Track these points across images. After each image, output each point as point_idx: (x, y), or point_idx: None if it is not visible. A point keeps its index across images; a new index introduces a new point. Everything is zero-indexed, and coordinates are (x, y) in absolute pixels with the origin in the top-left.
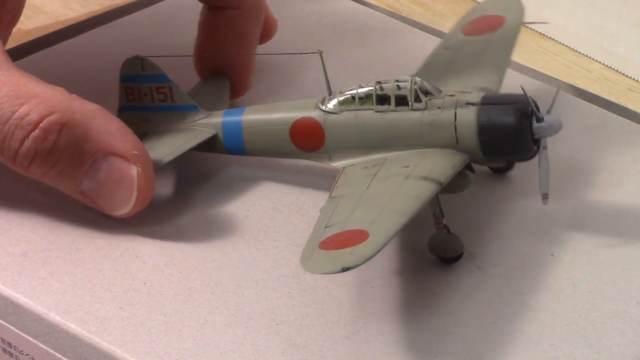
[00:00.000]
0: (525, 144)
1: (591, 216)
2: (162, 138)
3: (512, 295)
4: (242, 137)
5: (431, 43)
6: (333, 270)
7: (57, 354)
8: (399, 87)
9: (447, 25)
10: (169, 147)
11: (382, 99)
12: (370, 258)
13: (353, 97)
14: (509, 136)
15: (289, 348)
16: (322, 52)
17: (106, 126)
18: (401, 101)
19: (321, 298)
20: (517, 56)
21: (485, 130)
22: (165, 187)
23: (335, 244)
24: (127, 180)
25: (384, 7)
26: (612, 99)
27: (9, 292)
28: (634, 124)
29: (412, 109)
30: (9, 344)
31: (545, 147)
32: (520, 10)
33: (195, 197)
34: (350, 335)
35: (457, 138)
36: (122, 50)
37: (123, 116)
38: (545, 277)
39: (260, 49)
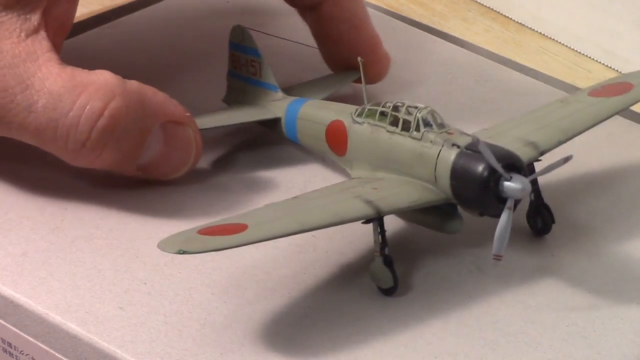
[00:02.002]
0: (486, 199)
1: (591, 216)
2: (232, 109)
3: (512, 295)
4: (296, 126)
5: (431, 43)
6: (172, 251)
7: (57, 354)
8: (409, 113)
9: (447, 25)
10: (217, 119)
11: (396, 121)
12: (216, 250)
13: (376, 112)
14: (471, 186)
15: (289, 348)
16: (362, 60)
17: (155, 98)
18: (406, 127)
19: (321, 298)
20: (518, 56)
21: (454, 175)
22: (163, 187)
23: (210, 231)
24: (186, 141)
25: (384, 7)
26: None
27: (9, 292)
28: (634, 124)
29: (411, 137)
30: (9, 344)
31: (510, 208)
32: None
33: (194, 198)
34: (350, 336)
35: (435, 176)
36: (122, 50)
37: (230, 81)
38: (545, 278)
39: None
